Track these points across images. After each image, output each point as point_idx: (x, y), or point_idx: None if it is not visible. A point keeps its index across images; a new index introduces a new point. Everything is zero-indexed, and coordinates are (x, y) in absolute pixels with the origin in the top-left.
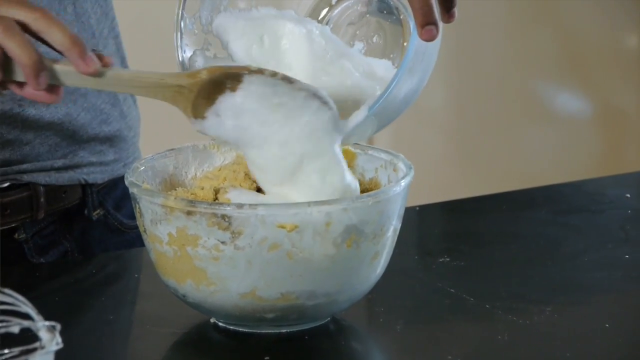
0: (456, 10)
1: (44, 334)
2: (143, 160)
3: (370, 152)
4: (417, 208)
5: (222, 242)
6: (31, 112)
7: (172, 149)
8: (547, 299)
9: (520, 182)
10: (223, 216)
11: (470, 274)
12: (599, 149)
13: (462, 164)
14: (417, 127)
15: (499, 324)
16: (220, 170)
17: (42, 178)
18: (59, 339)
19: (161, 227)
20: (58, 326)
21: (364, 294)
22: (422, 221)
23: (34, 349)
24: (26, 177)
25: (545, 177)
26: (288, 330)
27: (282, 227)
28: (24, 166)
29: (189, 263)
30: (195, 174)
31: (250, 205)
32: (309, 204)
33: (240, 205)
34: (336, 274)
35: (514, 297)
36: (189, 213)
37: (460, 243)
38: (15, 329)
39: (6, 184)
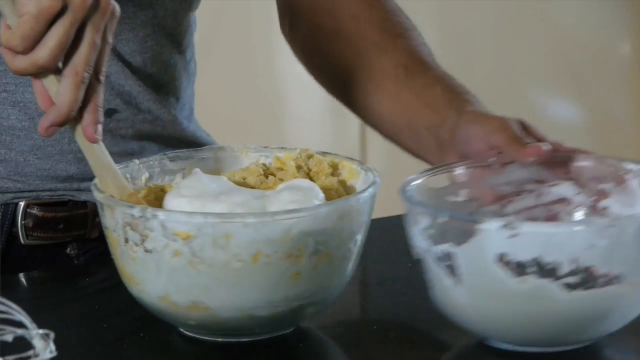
0: None
1: (37, 342)
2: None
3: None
4: None
5: (135, 244)
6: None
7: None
8: None
9: None
10: (132, 217)
11: None
12: None
13: None
14: None
15: None
16: None
17: None
18: (52, 347)
19: (106, 226)
20: (52, 334)
21: (288, 310)
22: None
23: (28, 357)
24: (84, 196)
25: None
26: (269, 336)
27: (178, 235)
28: (84, 184)
29: (119, 261)
30: None
31: (152, 208)
32: (205, 215)
33: (144, 208)
34: (246, 289)
35: None
36: (110, 210)
37: None
38: (9, 338)
39: (66, 199)
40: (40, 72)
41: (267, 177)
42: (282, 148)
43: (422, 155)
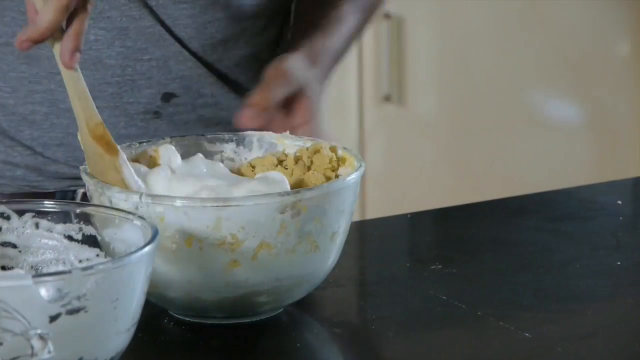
0: None
1: (35, 342)
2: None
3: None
4: (409, 215)
5: None
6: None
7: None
8: (538, 306)
9: (511, 189)
10: (90, 189)
11: (462, 281)
12: (591, 155)
13: (454, 171)
14: (409, 134)
15: (490, 331)
16: None
17: None
18: (50, 347)
19: None
20: (50, 334)
21: (234, 297)
22: (413, 228)
23: (26, 358)
24: None
25: (537, 184)
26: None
27: None
28: None
29: None
30: None
31: (103, 184)
32: (141, 194)
33: (97, 182)
34: (184, 271)
35: (506, 304)
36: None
37: (452, 250)
38: (7, 337)
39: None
40: None
41: (276, 166)
42: (312, 139)
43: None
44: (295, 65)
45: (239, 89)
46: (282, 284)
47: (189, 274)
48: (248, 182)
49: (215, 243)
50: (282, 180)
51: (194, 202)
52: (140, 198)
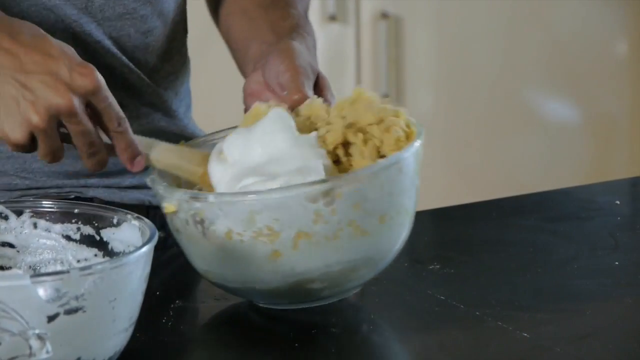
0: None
1: (34, 342)
2: None
3: None
4: None
5: None
6: None
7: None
8: (536, 306)
9: (509, 189)
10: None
11: (460, 281)
12: (589, 155)
13: (452, 171)
14: None
15: (488, 331)
16: None
17: (106, 195)
18: (49, 347)
19: None
20: (47, 334)
21: (286, 285)
22: (411, 228)
23: (24, 357)
24: (91, 192)
25: (535, 184)
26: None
27: (167, 208)
28: (91, 181)
29: None
30: None
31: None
32: (184, 192)
33: (153, 180)
34: (230, 264)
35: (504, 304)
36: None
37: (450, 250)
38: (6, 337)
39: (72, 196)
40: None
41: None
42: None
43: (242, 67)
44: (302, 51)
45: (175, 99)
46: (333, 269)
47: (237, 266)
48: (286, 175)
49: (253, 235)
50: (317, 168)
51: (224, 197)
52: (182, 195)
